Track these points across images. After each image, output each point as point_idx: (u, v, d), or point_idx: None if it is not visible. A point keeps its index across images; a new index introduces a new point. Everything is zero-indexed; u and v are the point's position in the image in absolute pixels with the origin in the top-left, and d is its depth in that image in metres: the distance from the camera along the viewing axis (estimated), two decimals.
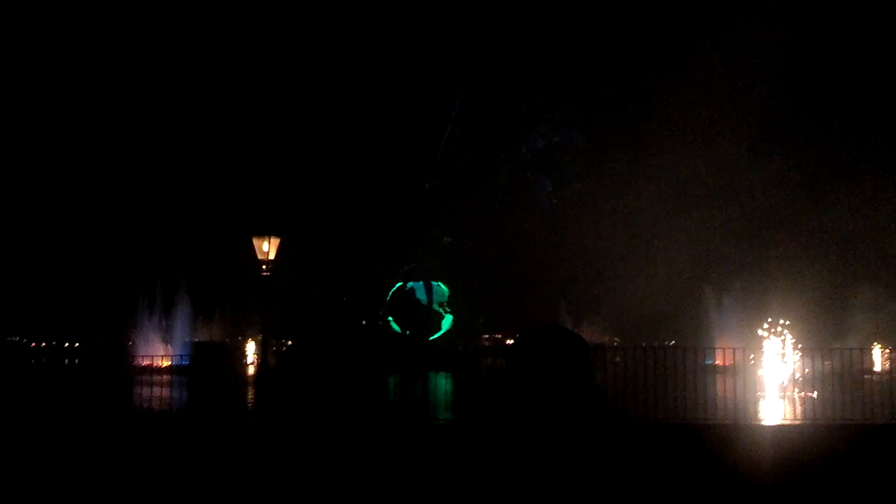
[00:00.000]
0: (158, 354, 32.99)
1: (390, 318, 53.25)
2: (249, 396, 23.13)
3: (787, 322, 26.59)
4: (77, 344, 39.32)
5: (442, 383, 28.11)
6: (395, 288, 55.33)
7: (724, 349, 21.46)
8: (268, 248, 24.21)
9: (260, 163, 52.12)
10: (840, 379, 18.69)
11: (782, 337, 26.04)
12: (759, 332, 26.38)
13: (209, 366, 31.70)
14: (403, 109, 56.85)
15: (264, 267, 24.12)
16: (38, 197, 48.42)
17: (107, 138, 49.95)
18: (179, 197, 49.81)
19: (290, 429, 15.77)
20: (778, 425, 16.98)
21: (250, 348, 42.05)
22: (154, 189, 49.58)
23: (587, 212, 53.47)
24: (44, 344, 39.53)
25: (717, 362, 24.19)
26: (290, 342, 48.45)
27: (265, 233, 24.30)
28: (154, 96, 50.34)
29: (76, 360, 35.45)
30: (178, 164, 50.50)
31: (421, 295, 55.91)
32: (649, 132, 53.40)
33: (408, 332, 50.57)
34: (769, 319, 27.01)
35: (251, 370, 34.82)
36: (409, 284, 55.52)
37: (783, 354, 25.93)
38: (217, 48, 51.79)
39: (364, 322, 53.58)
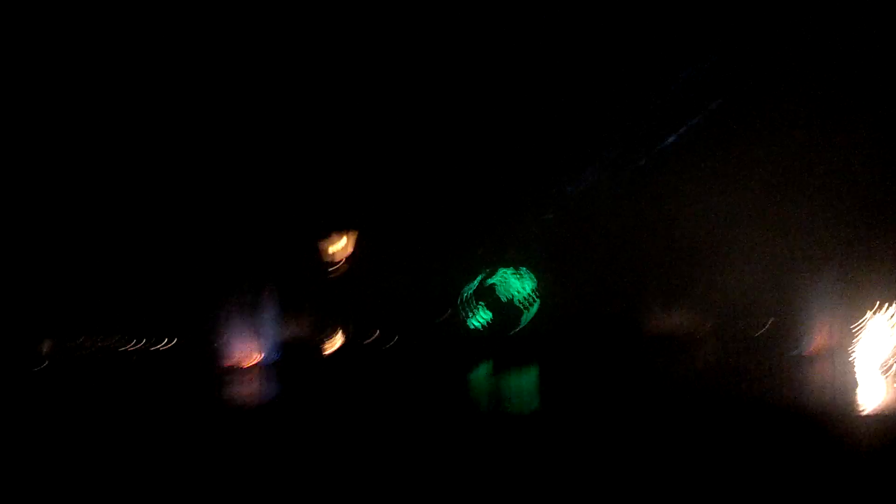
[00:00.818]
0: (247, 353, 33.49)
1: (480, 308, 52.92)
2: (334, 390, 23.18)
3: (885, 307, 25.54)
4: (168, 344, 40.30)
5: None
6: (479, 278, 55.03)
7: (821, 333, 20.78)
8: (340, 244, 24.29)
9: (342, 153, 52.31)
10: None
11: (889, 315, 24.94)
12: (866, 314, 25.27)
13: (298, 362, 32.08)
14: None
15: (338, 263, 24.20)
16: (126, 199, 49.49)
17: (191, 137, 50.76)
18: (262, 194, 50.38)
19: (373, 426, 15.76)
20: (876, 415, 16.34)
21: (338, 342, 42.45)
22: (239, 188, 50.22)
23: (685, 196, 52.46)
24: (135, 345, 40.54)
25: (812, 347, 23.52)
26: (377, 333, 48.80)
27: (342, 228, 24.37)
28: (234, 91, 50.89)
29: (168, 361, 36.37)
30: (260, 160, 51.05)
31: (514, 282, 55.50)
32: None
33: (495, 322, 50.21)
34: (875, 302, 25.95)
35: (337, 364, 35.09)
36: (500, 271, 55.15)
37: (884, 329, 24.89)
38: (293, 31, 52.04)
39: (449, 311, 53.42)
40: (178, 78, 50.85)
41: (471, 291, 54.34)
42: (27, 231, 46.60)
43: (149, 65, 50.41)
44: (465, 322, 51.75)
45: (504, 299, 52.54)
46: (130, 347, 40.97)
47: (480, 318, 52.77)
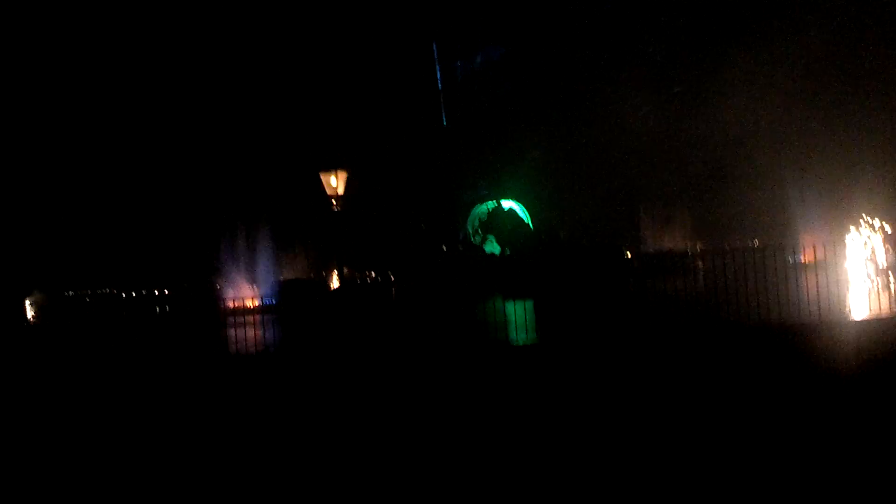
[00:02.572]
0: (246, 296, 33.61)
1: (490, 237, 52.86)
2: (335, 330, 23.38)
3: (870, 219, 25.81)
4: (166, 292, 40.45)
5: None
6: (489, 206, 54.97)
7: (809, 246, 21.00)
8: (336, 182, 24.31)
9: (330, 93, 52.12)
10: None
11: (870, 229, 25.30)
12: (853, 227, 25.55)
13: (296, 303, 32.21)
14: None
15: (334, 202, 24.26)
16: (115, 145, 49.34)
17: (179, 77, 50.48)
18: (252, 136, 50.23)
19: (383, 361, 16.01)
20: (864, 321, 16.68)
21: (335, 282, 42.64)
22: (226, 129, 50.05)
23: (668, 119, 52.42)
24: (133, 294, 40.63)
25: (802, 260, 23.76)
26: (373, 273, 49.01)
27: (333, 167, 24.36)
28: (224, 35, 50.54)
29: (167, 308, 36.52)
30: (246, 103, 50.81)
31: (523, 214, 55.63)
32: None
33: (508, 251, 50.22)
34: (859, 213, 26.24)
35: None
36: (504, 203, 55.15)
37: (869, 244, 25.20)
38: None
39: (444, 247, 53.58)
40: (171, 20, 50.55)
41: (476, 223, 54.44)
42: (25, 182, 46.54)
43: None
44: (478, 249, 51.87)
45: (507, 230, 52.72)
46: (129, 295, 41.08)
47: (491, 246, 52.98)
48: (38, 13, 48.75)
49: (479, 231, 54.02)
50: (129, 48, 50.64)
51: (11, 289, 39.19)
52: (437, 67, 60.24)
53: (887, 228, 25.25)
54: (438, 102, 59.84)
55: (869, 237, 25.05)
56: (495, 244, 52.88)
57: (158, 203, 48.99)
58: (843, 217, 27.63)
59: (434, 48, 59.78)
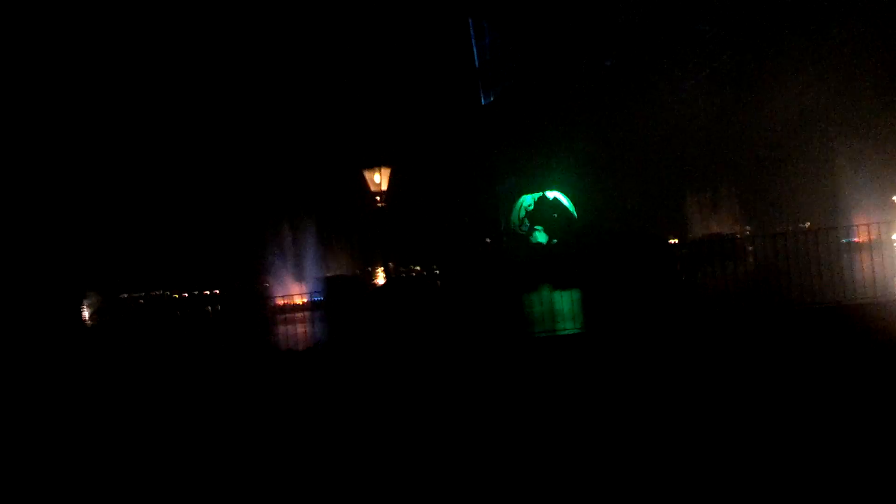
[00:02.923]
0: (294, 293, 33.81)
1: (538, 228, 52.74)
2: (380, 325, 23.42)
3: None
4: (217, 292, 40.90)
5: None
6: (534, 196, 54.77)
7: (862, 225, 20.59)
8: (379, 179, 24.36)
9: (369, 86, 52.20)
10: None
11: None
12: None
13: (342, 299, 32.37)
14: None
15: (378, 198, 24.31)
16: (158, 144, 49.89)
17: (227, 79, 50.90)
18: (295, 134, 50.49)
19: (424, 354, 15.96)
20: None
21: (379, 278, 42.84)
22: (270, 129, 50.36)
23: (715, 99, 51.80)
24: (186, 295, 41.14)
25: (856, 240, 23.35)
26: (417, 268, 49.11)
27: (375, 163, 24.42)
28: (268, 28, 50.84)
29: (218, 307, 36.92)
30: (289, 102, 51.08)
31: (567, 203, 55.34)
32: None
33: (555, 241, 50.09)
34: None
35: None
36: (549, 193, 54.98)
37: None
38: None
39: (488, 240, 53.49)
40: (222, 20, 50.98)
41: (523, 214, 54.23)
42: (74, 187, 47.23)
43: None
44: (524, 240, 51.78)
45: (553, 219, 52.52)
46: (179, 296, 41.64)
47: (538, 236, 52.82)
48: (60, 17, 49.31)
49: (526, 221, 53.84)
50: (176, 49, 51.18)
51: (69, 291, 39.84)
52: (477, 53, 59.99)
53: None
54: (478, 90, 59.62)
55: None
56: (542, 234, 52.73)
57: (208, 205, 49.47)
58: (893, 197, 27.16)
59: (472, 36, 59.51)
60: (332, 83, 52.72)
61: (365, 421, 11.89)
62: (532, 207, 54.09)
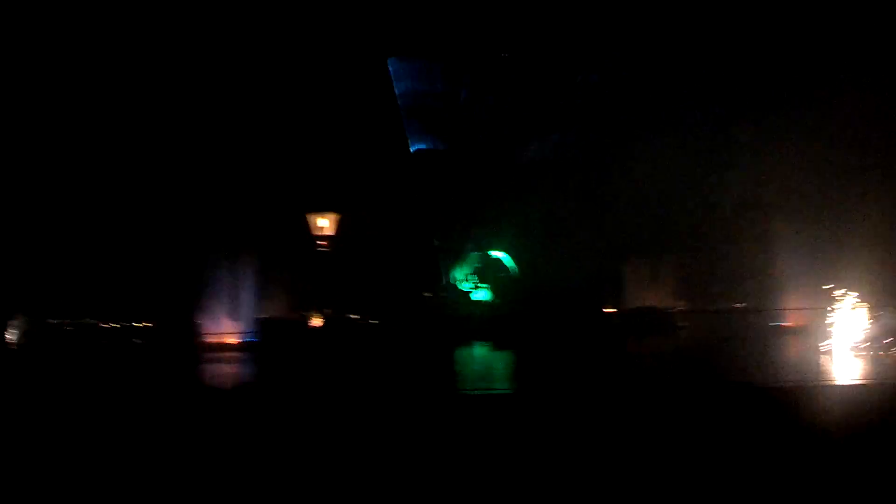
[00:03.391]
0: (226, 332, 33.46)
1: (483, 286, 53.27)
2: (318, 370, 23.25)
3: (854, 288, 25.99)
4: (146, 324, 40.16)
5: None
6: (479, 255, 55.25)
7: (794, 310, 21.07)
8: (323, 224, 24.34)
9: (320, 137, 52.21)
10: None
11: (851, 298, 25.46)
12: (830, 294, 25.73)
13: (276, 341, 32.08)
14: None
15: (321, 242, 24.29)
16: (100, 175, 49.24)
17: (172, 116, 50.50)
18: (239, 174, 50.19)
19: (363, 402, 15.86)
20: (849, 385, 16.69)
21: (316, 322, 42.47)
22: (215, 166, 49.99)
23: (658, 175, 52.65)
24: (113, 325, 40.34)
25: (785, 324, 23.87)
26: (357, 316, 48.79)
27: (320, 209, 24.40)
28: (207, 72, 50.69)
29: (146, 341, 36.28)
30: (236, 142, 50.85)
31: (509, 265, 55.90)
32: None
33: (497, 301, 50.76)
34: (839, 281, 26.41)
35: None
36: (493, 253, 55.57)
37: (855, 309, 25.31)
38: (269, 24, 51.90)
39: (428, 294, 53.60)
40: (162, 49, 50.67)
41: (470, 270, 54.65)
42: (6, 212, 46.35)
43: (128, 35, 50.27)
44: (469, 295, 52.19)
45: (498, 279, 53.10)
46: (108, 326, 40.85)
47: (481, 293, 53.24)
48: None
49: (473, 278, 54.30)
50: (113, 91, 50.83)
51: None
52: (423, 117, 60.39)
53: (867, 301, 25.42)
54: (423, 151, 59.94)
55: (851, 307, 25.18)
56: (487, 292, 53.17)
57: (144, 236, 48.80)
58: (827, 285, 27.76)
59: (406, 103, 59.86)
60: (277, 128, 52.61)
61: (282, 464, 11.75)
62: (479, 265, 54.57)
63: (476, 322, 45.90)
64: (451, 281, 55.43)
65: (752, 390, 15.79)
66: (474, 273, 54.59)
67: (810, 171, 47.66)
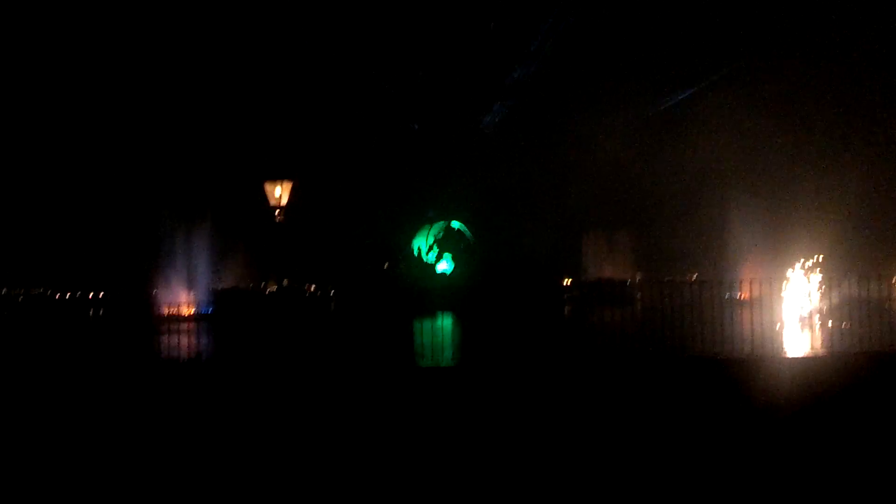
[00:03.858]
0: (182, 302, 33.13)
1: (447, 255, 53.15)
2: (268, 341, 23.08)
3: (808, 259, 26.37)
4: (101, 294, 39.74)
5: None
6: (441, 225, 55.07)
7: (747, 282, 21.18)
8: (279, 192, 24.07)
9: (276, 103, 51.69)
10: (866, 307, 18.55)
11: (807, 268, 25.81)
12: (784, 266, 26.12)
13: (232, 312, 31.88)
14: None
15: (277, 212, 24.02)
16: (51, 143, 48.44)
17: (124, 81, 49.72)
18: (194, 140, 49.61)
19: (310, 377, 15.77)
20: (799, 357, 16.88)
21: (274, 293, 42.34)
22: (168, 133, 49.38)
23: (614, 145, 52.80)
24: (68, 295, 39.86)
25: (741, 296, 24.04)
26: (312, 286, 48.63)
27: (277, 176, 24.13)
28: (166, 38, 49.92)
29: (101, 311, 35.87)
30: (190, 109, 50.21)
31: (469, 235, 55.78)
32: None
33: (458, 271, 50.80)
34: (794, 253, 26.79)
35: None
36: (455, 224, 55.42)
37: (808, 281, 25.66)
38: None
39: (386, 265, 53.49)
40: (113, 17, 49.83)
41: (431, 241, 54.49)
42: None
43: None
44: (429, 267, 52.06)
45: (460, 249, 53.06)
46: (66, 297, 40.39)
47: (445, 265, 53.17)
48: None
49: (435, 248, 54.17)
50: (77, 52, 49.86)
51: None
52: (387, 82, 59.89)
53: (821, 273, 25.77)
54: (390, 116, 59.49)
55: (805, 278, 25.53)
56: (450, 262, 53.11)
57: (99, 204, 48.15)
58: (782, 257, 28.10)
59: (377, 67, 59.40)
60: (234, 91, 51.96)
61: (239, 437, 11.67)
62: (441, 235, 54.46)
63: (436, 294, 45.97)
64: (413, 251, 55.35)
65: (706, 363, 15.90)
66: (439, 243, 54.52)
67: (766, 144, 48.14)
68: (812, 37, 47.92)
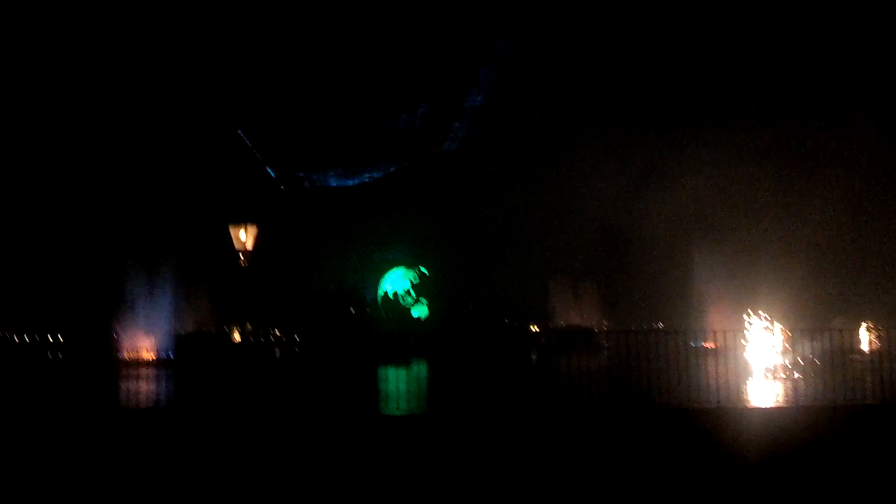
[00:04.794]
0: (143, 347, 32.74)
1: (423, 300, 53.27)
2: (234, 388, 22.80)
3: (771, 311, 26.56)
4: (61, 338, 39.09)
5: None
6: (414, 272, 55.23)
7: (712, 332, 21.29)
8: (245, 236, 23.87)
9: (241, 151, 51.66)
10: (828, 360, 18.68)
11: (767, 321, 25.97)
12: (746, 316, 26.27)
13: (194, 358, 31.45)
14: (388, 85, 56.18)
15: (242, 256, 23.81)
16: (18, 187, 47.92)
17: (85, 130, 49.42)
18: (160, 186, 49.36)
19: (275, 424, 15.55)
20: (765, 409, 16.92)
21: (237, 337, 41.86)
22: (134, 179, 49.10)
23: (580, 199, 53.21)
24: (27, 339, 39.22)
25: (705, 345, 24.15)
26: (276, 331, 48.23)
27: (242, 220, 23.93)
28: (133, 85, 49.81)
29: (60, 355, 35.24)
30: (156, 155, 50.03)
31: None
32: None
33: (430, 318, 50.92)
34: (757, 305, 26.97)
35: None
36: (423, 270, 55.54)
37: (771, 333, 25.79)
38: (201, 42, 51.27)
39: (352, 310, 53.31)
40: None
41: (407, 286, 54.45)
42: None
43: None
44: (405, 312, 51.94)
45: (430, 294, 53.08)
46: (26, 340, 39.74)
47: (421, 309, 53.04)
48: None
49: (412, 293, 54.15)
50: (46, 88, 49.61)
51: None
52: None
53: (782, 324, 25.95)
54: (353, 161, 59.53)
55: (768, 329, 25.66)
56: (424, 308, 53.07)
57: (61, 247, 47.60)
58: (746, 307, 28.25)
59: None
60: (199, 136, 51.86)
61: (197, 488, 11.45)
62: (417, 281, 54.46)
63: (404, 338, 45.88)
64: (378, 297, 55.24)
65: (674, 413, 15.86)
66: (416, 288, 54.55)
67: (732, 197, 48.68)
68: (775, 95, 48.80)
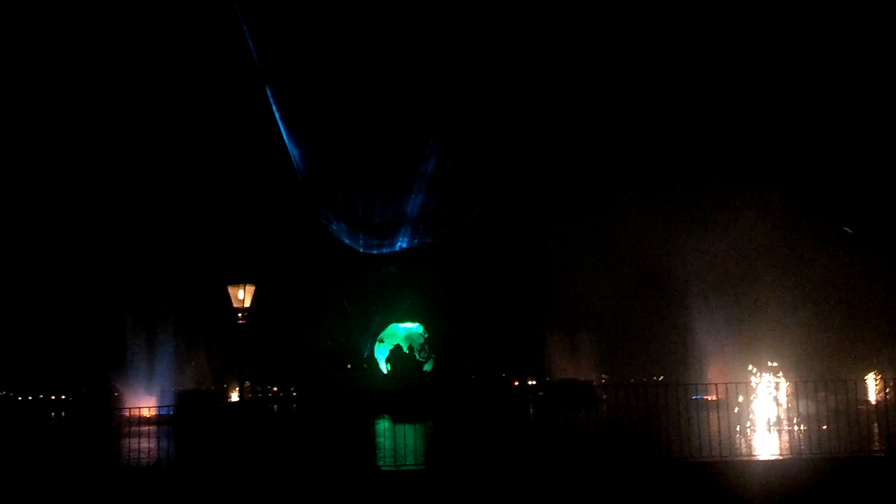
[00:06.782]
0: (144, 406, 32.62)
1: (433, 356, 53.31)
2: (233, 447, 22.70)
3: (775, 363, 26.57)
4: (63, 396, 39.01)
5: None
6: (419, 329, 55.32)
7: (714, 384, 21.27)
8: (242, 295, 23.92)
9: (238, 209, 51.94)
10: (832, 410, 18.66)
11: (772, 373, 25.96)
12: (749, 367, 26.26)
13: (193, 416, 31.36)
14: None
15: (240, 315, 23.85)
16: (21, 242, 48.01)
17: (84, 185, 49.67)
18: (159, 244, 49.50)
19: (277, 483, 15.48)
20: (770, 460, 16.85)
21: (234, 396, 41.76)
22: (134, 237, 49.24)
23: (575, 250, 53.31)
24: (30, 397, 39.14)
25: (706, 398, 24.09)
26: (275, 389, 48.07)
27: (240, 280, 24.00)
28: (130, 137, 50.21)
29: (62, 414, 35.12)
30: (153, 213, 50.26)
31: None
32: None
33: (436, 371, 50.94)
34: (760, 355, 26.97)
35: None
36: (420, 328, 55.66)
37: (776, 388, 25.76)
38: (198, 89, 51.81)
39: (349, 366, 53.20)
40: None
41: (421, 341, 54.46)
42: None
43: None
44: (419, 366, 51.91)
45: (432, 351, 53.14)
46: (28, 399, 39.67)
47: (429, 364, 53.03)
48: None
49: (426, 348, 54.21)
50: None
51: None
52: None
53: (784, 376, 25.96)
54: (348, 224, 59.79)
55: (771, 381, 25.65)
56: (431, 362, 53.17)
57: (61, 306, 47.58)
58: (747, 358, 28.27)
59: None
60: (197, 196, 52.14)
61: None
62: (427, 336, 54.55)
63: (406, 395, 45.81)
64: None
65: (677, 465, 15.81)
66: (429, 343, 54.62)
67: (730, 247, 48.76)
68: (766, 144, 49.14)
